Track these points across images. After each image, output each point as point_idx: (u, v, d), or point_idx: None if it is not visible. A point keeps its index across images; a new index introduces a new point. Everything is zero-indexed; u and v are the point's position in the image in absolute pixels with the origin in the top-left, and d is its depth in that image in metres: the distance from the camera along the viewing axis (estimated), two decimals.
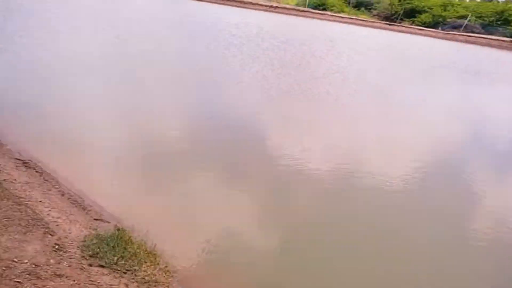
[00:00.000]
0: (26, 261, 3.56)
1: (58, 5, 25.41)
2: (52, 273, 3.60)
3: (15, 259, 3.51)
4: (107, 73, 13.02)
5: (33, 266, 3.55)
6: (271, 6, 51.34)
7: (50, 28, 18.55)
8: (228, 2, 44.39)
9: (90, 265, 4.20)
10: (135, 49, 16.89)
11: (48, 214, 4.94)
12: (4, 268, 3.33)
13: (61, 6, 25.87)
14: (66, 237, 4.51)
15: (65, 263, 3.92)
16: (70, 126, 8.36)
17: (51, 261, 3.80)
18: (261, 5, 50.91)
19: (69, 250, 4.22)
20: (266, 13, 48.57)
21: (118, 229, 5.17)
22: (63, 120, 8.64)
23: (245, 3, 48.53)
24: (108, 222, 5.45)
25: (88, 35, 18.23)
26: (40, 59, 13.16)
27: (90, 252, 4.40)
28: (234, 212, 6.29)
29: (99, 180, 6.69)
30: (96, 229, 5.05)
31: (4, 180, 5.37)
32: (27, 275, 3.40)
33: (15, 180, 5.62)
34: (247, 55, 18.89)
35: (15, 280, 3.27)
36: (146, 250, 4.89)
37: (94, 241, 4.64)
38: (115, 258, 4.44)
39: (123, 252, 4.60)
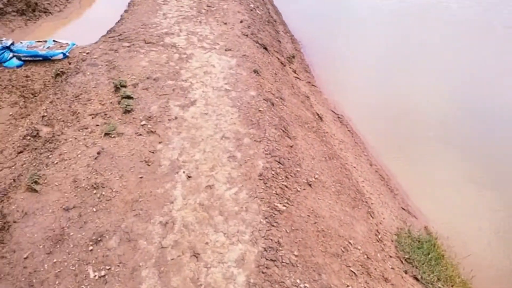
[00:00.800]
0: (359, 247, 3.06)
1: None
2: (381, 274, 2.99)
3: (350, 241, 3.06)
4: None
5: (365, 256, 3.02)
6: None
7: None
8: None
9: (406, 272, 3.44)
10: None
11: (363, 186, 4.45)
12: (342, 249, 2.91)
13: None
14: (381, 223, 3.88)
15: (389, 263, 3.26)
16: (384, 93, 7.68)
17: (378, 255, 3.20)
18: None
19: (386, 243, 3.58)
20: None
21: (429, 234, 4.21)
22: (378, 85, 8.04)
23: None
24: (416, 218, 4.55)
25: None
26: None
27: (405, 255, 3.63)
28: None
29: (404, 160, 5.80)
30: (405, 222, 4.25)
31: (327, 133, 5.20)
32: (360, 267, 2.89)
33: (334, 135, 5.42)
34: None
35: (351, 269, 2.81)
36: (461, 279, 3.75)
37: (407, 241, 3.85)
38: (431, 276, 3.52)
39: (439, 271, 3.62)
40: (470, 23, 13.15)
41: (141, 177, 2.93)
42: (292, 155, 3.57)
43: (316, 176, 3.58)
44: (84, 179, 2.90)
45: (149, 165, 3.06)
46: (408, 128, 6.67)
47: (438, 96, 7.94)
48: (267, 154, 3.37)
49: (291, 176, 3.32)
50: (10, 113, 4.43)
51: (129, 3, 6.85)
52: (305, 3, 12.98)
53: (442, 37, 11.78)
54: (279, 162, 3.33)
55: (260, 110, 3.96)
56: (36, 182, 2.87)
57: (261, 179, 3.08)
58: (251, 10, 7.86)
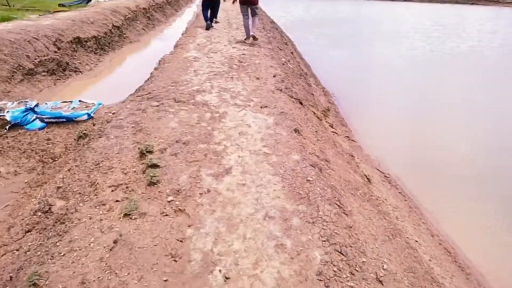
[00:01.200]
0: None
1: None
2: None
3: None
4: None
5: None
6: None
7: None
8: None
9: None
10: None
11: (432, 268, 3.53)
12: None
13: None
14: None
15: None
16: (428, 145, 6.88)
17: None
18: None
19: None
20: None
21: None
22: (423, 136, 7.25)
23: None
24: None
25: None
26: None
27: None
28: None
29: (467, 226, 4.86)
30: None
31: (379, 198, 4.38)
32: None
33: (386, 200, 4.59)
34: None
35: None
36: None
37: None
38: None
39: None
40: (507, 70, 12.40)
41: (165, 280, 2.20)
42: (354, 240, 2.77)
43: (385, 266, 2.73)
44: (94, 280, 2.19)
45: (176, 261, 2.33)
46: (459, 183, 5.79)
47: (486, 147, 7.07)
48: (324, 241, 2.59)
49: (357, 270, 2.50)
50: (26, 181, 3.91)
51: (159, 61, 6.57)
52: (333, 55, 12.71)
53: (479, 83, 11.06)
54: (340, 253, 2.53)
55: (308, 180, 3.24)
56: (35, 285, 2.19)
57: (321, 280, 2.29)
58: (283, 64, 7.45)
